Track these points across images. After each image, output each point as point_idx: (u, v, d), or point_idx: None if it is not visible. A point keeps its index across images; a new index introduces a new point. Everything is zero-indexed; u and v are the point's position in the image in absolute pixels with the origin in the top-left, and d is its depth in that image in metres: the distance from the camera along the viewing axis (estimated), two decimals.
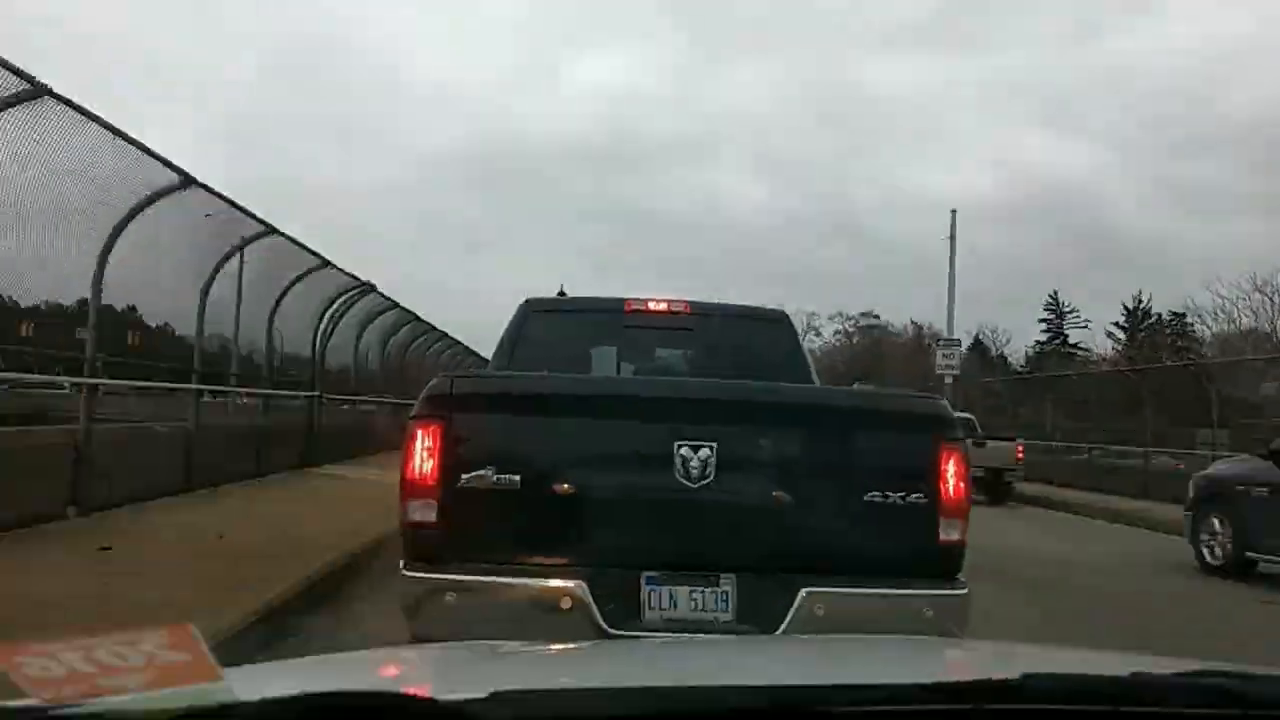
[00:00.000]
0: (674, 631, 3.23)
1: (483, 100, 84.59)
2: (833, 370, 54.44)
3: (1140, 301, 57.18)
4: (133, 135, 7.76)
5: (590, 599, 3.22)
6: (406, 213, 73.73)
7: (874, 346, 58.76)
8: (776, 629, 3.23)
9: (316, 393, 14.92)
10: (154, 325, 12.01)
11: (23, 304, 8.00)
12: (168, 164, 8.51)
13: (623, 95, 79.86)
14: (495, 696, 1.06)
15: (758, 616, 3.28)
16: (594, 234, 79.65)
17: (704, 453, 3.31)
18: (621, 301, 5.81)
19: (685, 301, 5.84)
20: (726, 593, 3.33)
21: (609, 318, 5.77)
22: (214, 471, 10.43)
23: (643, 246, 74.66)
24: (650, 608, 3.30)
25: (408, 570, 3.39)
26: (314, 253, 13.21)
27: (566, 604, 3.23)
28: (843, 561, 3.41)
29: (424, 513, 3.35)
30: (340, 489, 11.82)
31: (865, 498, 3.39)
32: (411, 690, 1.19)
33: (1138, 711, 1.13)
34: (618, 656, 1.61)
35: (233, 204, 10.42)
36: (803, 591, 3.27)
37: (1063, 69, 70.63)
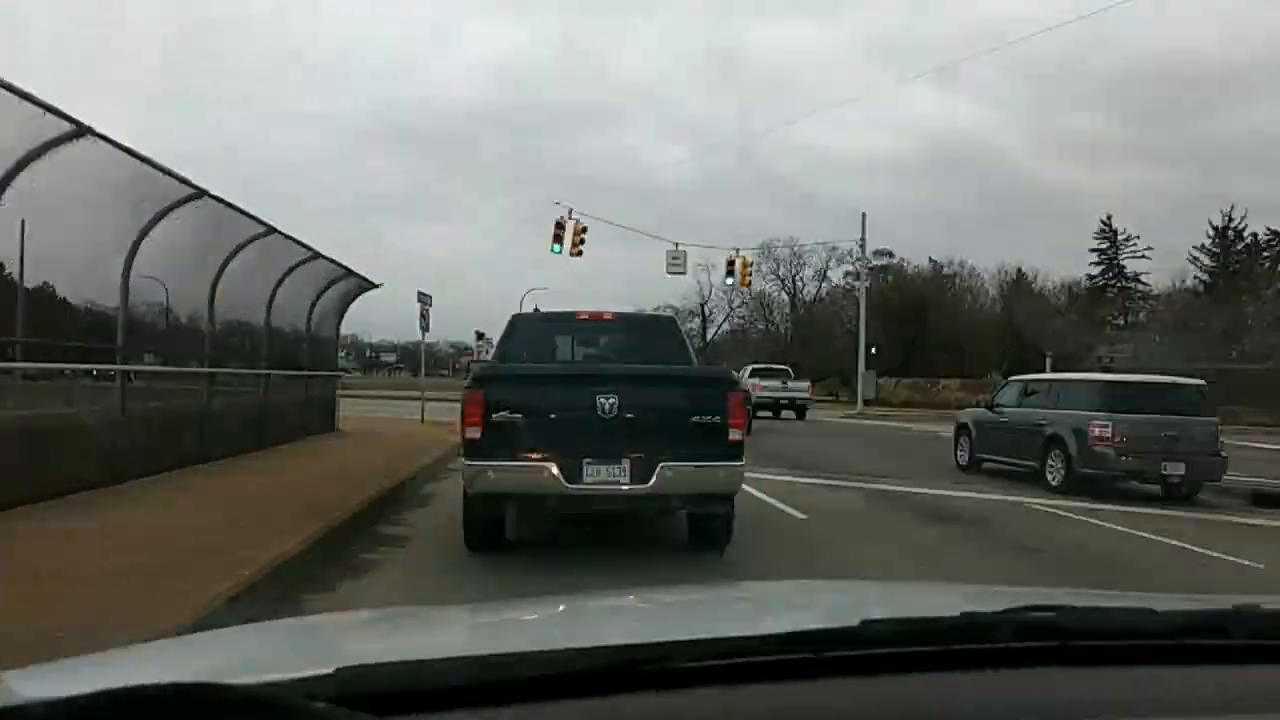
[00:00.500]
0: (599, 485, 6.29)
1: (398, 70, 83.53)
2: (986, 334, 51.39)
3: (1230, 220, 50.33)
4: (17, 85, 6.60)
5: (558, 472, 6.34)
6: (342, 183, 73.51)
7: (893, 289, 56.54)
8: (648, 483, 6.30)
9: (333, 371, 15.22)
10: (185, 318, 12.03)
11: None
12: (55, 111, 7.20)
13: (541, 63, 79.52)
14: (339, 672, 1.03)
15: (639, 479, 6.38)
16: (528, 198, 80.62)
17: (611, 400, 6.45)
18: (573, 313, 8.96)
19: (613, 312, 9.20)
20: (624, 468, 6.42)
21: (565, 323, 9.04)
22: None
23: (581, 209, 75.05)
24: (587, 476, 6.39)
25: (466, 460, 6.50)
26: (257, 219, 12.36)
27: (545, 475, 6.30)
28: (682, 452, 6.48)
29: (473, 433, 6.40)
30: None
31: (692, 420, 6.55)
32: (250, 671, 1.17)
33: (968, 649, 1.16)
34: (485, 620, 1.61)
35: (143, 159, 8.87)
36: (660, 465, 6.42)
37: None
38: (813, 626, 1.24)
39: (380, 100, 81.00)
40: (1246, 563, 8.25)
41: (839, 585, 2.60)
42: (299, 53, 80.00)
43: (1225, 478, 12.65)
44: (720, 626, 1.46)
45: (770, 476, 12.30)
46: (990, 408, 15.23)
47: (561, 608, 1.81)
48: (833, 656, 1.13)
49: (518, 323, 8.93)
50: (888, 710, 1.07)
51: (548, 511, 6.93)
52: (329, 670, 1.06)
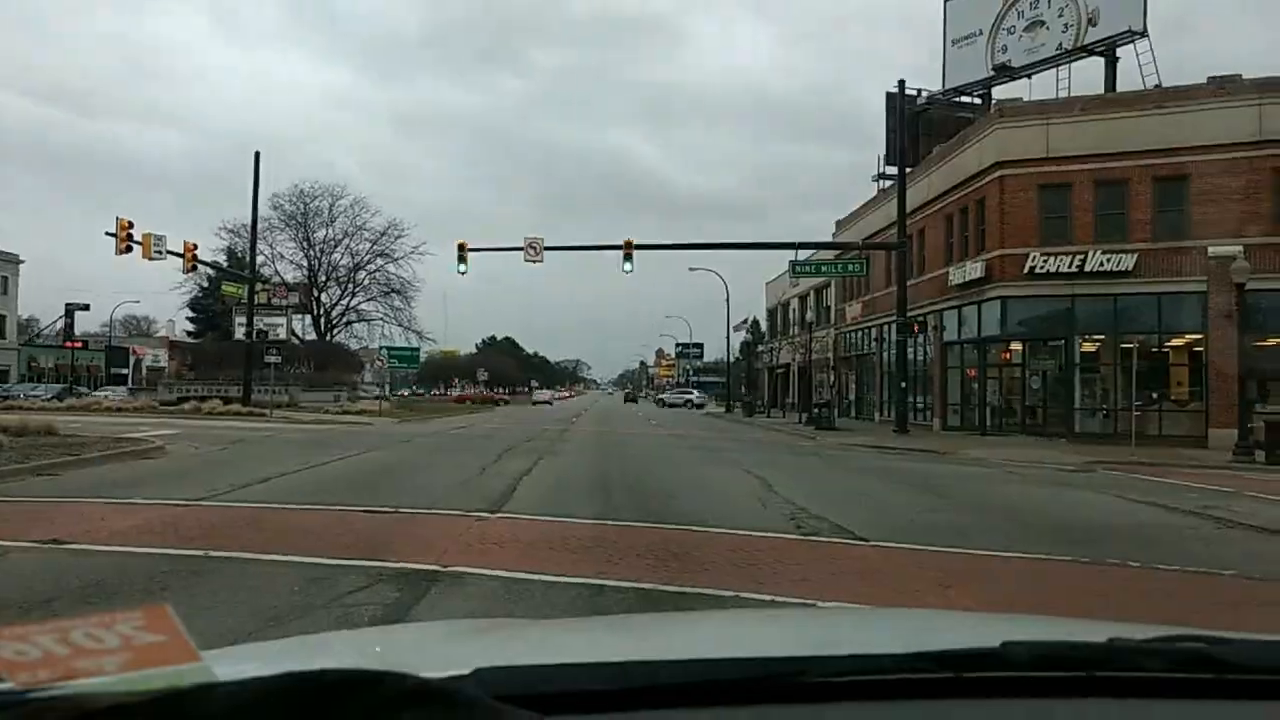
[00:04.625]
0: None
1: None
2: None
3: None
4: None
5: None
6: None
7: None
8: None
9: None
10: None
11: None
12: None
13: None
14: (478, 673, 1.05)
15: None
16: None
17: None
18: None
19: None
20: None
21: None
22: None
23: None
24: None
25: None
26: None
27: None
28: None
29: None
30: None
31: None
32: (395, 668, 1.19)
33: (1114, 677, 1.14)
34: (603, 631, 1.62)
35: None
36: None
37: None
38: (951, 647, 1.24)
39: None
40: None
41: (970, 614, 2.56)
42: None
43: None
44: (855, 643, 1.46)
45: None
46: None
47: (665, 622, 1.80)
48: (973, 678, 1.13)
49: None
50: None
51: None
52: (466, 671, 1.08)
